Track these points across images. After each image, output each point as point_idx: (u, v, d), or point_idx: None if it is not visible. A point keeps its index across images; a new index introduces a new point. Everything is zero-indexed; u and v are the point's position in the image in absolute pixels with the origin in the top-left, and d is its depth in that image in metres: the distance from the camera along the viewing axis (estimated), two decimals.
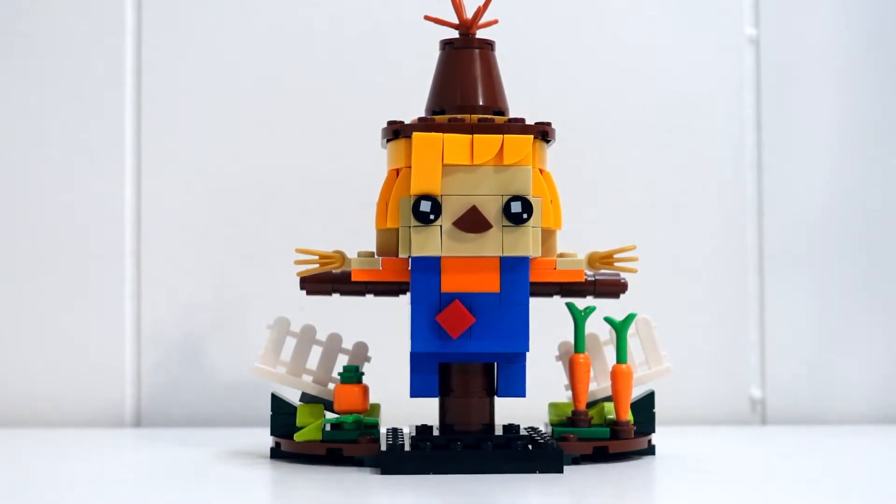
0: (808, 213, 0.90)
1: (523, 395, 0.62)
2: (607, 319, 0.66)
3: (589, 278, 0.63)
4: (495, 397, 0.63)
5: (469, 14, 0.64)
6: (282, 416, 0.65)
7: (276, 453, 0.65)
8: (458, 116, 0.61)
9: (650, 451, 0.67)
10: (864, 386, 0.89)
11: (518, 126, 0.60)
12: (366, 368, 0.67)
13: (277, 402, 0.66)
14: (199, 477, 0.61)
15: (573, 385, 0.65)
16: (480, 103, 0.62)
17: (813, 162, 0.90)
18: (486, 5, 0.64)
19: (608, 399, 0.67)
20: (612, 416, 0.66)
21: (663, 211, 0.89)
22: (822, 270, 0.90)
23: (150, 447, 0.74)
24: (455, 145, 0.59)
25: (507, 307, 0.60)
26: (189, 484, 0.59)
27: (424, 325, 0.59)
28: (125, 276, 0.87)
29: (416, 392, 0.61)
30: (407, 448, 0.60)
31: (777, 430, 0.85)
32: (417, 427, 0.63)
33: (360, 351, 0.67)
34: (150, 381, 0.87)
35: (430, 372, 0.61)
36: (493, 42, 0.64)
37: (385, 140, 0.63)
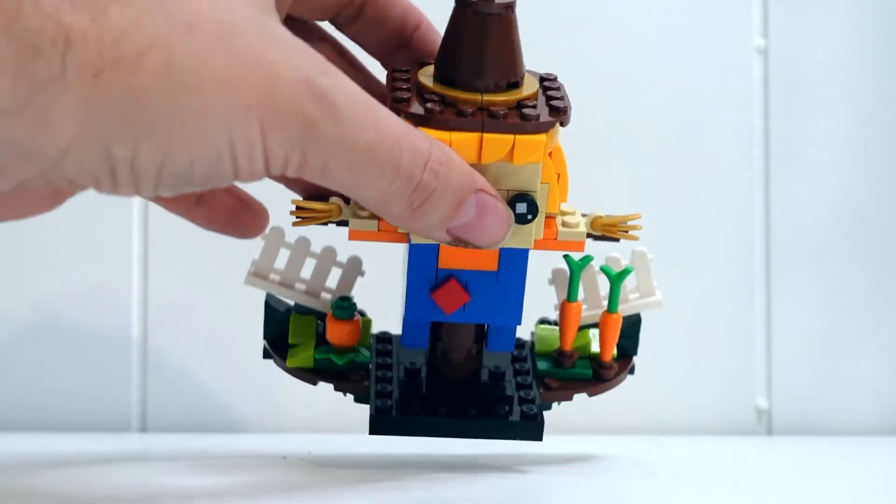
0: (816, 223, 0.90)
1: (512, 350, 0.62)
2: (603, 269, 0.65)
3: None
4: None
5: None
6: (274, 324, 0.66)
7: (268, 355, 0.66)
8: (467, 107, 0.55)
9: (631, 371, 0.66)
10: (873, 397, 0.89)
11: (532, 125, 0.55)
12: (359, 282, 0.66)
13: (271, 310, 0.66)
14: (205, 483, 0.61)
15: (562, 327, 0.64)
16: (493, 79, 0.56)
17: (821, 173, 0.90)
18: None
19: (595, 325, 0.66)
20: (596, 350, 0.65)
21: (670, 220, 0.89)
22: (830, 280, 0.90)
23: (157, 452, 0.74)
24: (463, 145, 0.54)
25: (503, 284, 0.59)
26: (195, 490, 0.59)
27: (419, 298, 0.59)
28: (132, 279, 0.87)
29: (407, 343, 0.61)
30: (396, 395, 0.62)
31: (783, 441, 0.85)
32: (406, 369, 0.63)
33: (355, 265, 0.66)
34: (157, 385, 0.87)
35: (421, 328, 0.61)
36: (515, 2, 0.58)
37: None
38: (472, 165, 0.54)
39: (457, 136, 0.54)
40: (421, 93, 0.55)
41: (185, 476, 0.63)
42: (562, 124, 0.58)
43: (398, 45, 0.57)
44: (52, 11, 0.38)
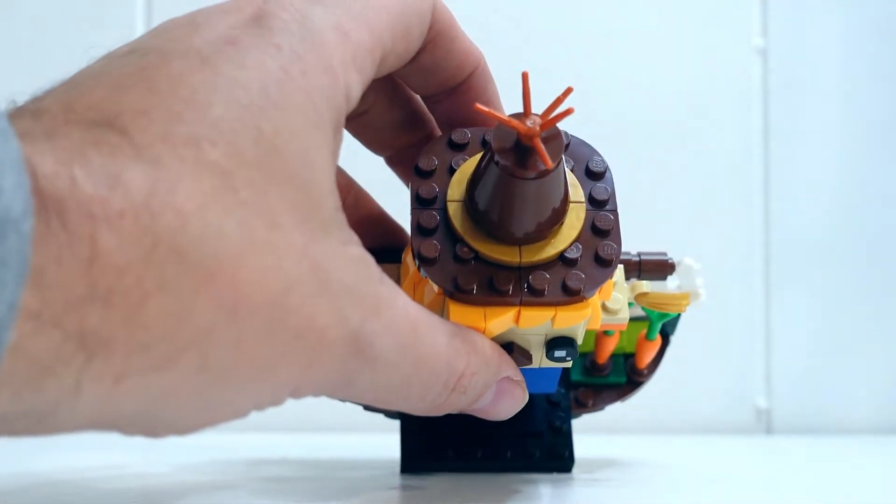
0: (814, 223, 0.90)
1: (551, 392, 0.62)
2: (646, 310, 0.64)
3: (634, 258, 0.59)
4: None
5: (525, 107, 0.48)
6: None
7: None
8: (504, 282, 0.47)
9: (667, 343, 0.67)
10: (871, 395, 0.90)
11: (575, 299, 0.48)
12: None
13: None
14: (205, 483, 0.61)
15: (597, 350, 0.64)
16: (533, 231, 0.48)
17: (820, 173, 0.90)
18: (558, 116, 0.47)
19: (643, 319, 0.65)
20: (631, 350, 0.66)
21: (670, 221, 0.89)
22: (829, 280, 0.90)
23: (159, 452, 0.74)
24: (498, 320, 0.47)
25: (541, 370, 0.53)
26: (195, 490, 0.59)
27: None
28: None
29: None
30: (425, 431, 0.61)
31: (783, 440, 0.85)
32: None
33: None
34: None
35: None
36: (561, 156, 0.48)
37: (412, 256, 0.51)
38: (501, 337, 0.49)
39: (492, 321, 0.47)
40: (452, 237, 0.48)
41: (186, 476, 0.63)
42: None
43: (446, 91, 0.52)
44: (76, 326, 0.32)
